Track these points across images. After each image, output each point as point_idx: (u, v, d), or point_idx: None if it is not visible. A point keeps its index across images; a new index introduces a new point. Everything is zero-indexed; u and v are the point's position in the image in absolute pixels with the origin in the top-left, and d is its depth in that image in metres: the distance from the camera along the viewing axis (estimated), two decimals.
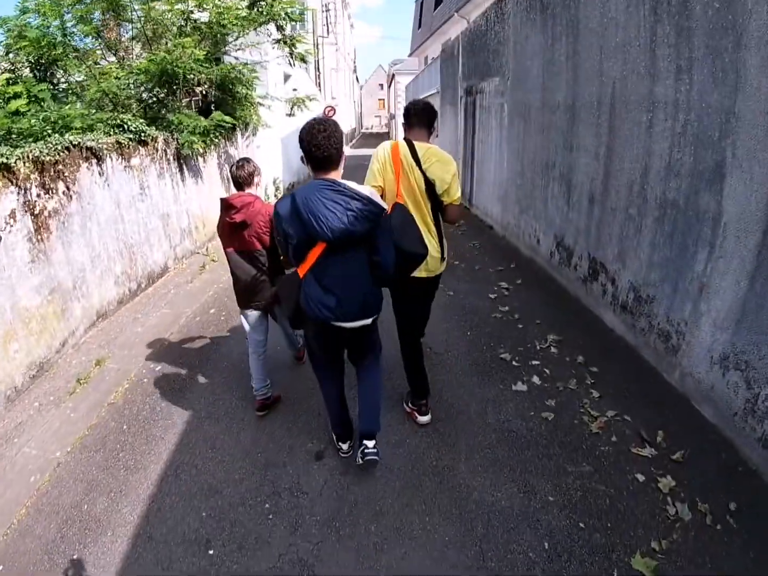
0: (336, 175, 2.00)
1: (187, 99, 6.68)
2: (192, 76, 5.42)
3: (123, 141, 4.65)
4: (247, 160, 2.70)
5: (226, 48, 6.67)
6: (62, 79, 5.57)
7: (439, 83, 11.36)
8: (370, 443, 2.37)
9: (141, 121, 4.91)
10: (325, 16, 21.77)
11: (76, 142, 3.98)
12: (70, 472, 2.58)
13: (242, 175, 2.63)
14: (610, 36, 3.59)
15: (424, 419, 2.82)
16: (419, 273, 2.44)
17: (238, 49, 6.76)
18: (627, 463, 2.48)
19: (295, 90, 10.87)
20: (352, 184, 1.93)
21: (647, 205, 3.23)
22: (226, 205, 2.59)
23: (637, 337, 3.46)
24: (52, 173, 3.70)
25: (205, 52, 5.47)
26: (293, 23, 6.89)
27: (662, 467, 2.43)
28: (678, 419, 2.77)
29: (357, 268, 2.02)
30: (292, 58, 6.80)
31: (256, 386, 2.93)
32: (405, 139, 2.50)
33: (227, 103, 6.61)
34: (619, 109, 3.51)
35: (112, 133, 4.65)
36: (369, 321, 2.12)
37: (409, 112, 2.54)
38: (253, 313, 2.83)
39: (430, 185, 2.38)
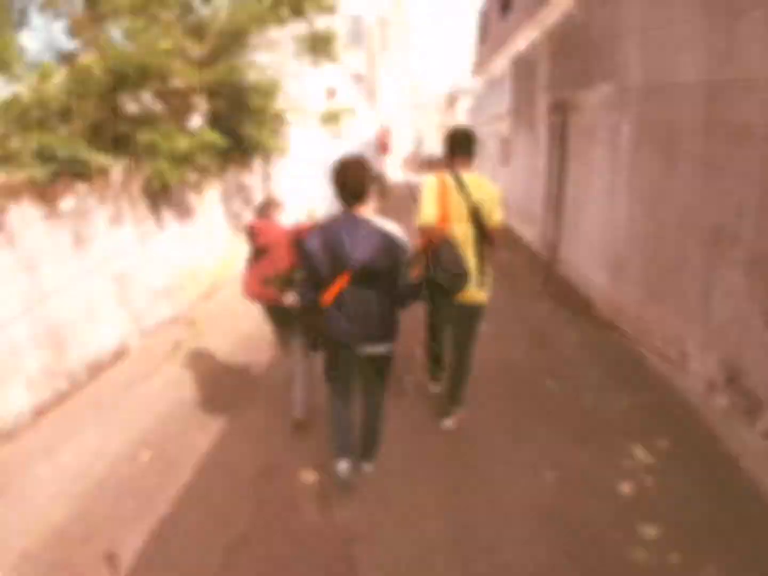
0: (365, 210, 2.08)
1: (187, 113, 5.14)
2: (172, 78, 3.77)
3: (40, 178, 3.05)
4: (271, 201, 2.93)
5: (240, 50, 5.07)
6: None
7: (508, 101, 9.44)
8: (369, 466, 2.55)
9: (78, 146, 3.28)
10: (381, 31, 20.39)
11: None
12: None
13: (259, 208, 2.95)
14: None
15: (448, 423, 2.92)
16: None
17: (253, 50, 5.15)
18: None
19: None
20: (378, 221, 2.05)
21: None
22: (250, 232, 2.77)
23: None
24: None
25: (171, 42, 3.76)
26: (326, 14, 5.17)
27: None
28: None
29: (376, 299, 2.12)
30: (315, 53, 5.06)
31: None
32: (449, 169, 2.61)
33: (231, 117, 4.96)
34: None
35: (29, 164, 3.07)
36: (383, 349, 2.23)
37: (451, 141, 2.65)
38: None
39: (475, 211, 2.54)
